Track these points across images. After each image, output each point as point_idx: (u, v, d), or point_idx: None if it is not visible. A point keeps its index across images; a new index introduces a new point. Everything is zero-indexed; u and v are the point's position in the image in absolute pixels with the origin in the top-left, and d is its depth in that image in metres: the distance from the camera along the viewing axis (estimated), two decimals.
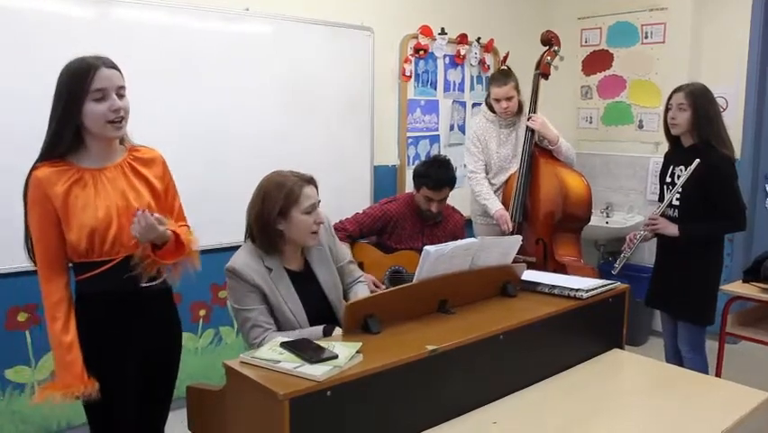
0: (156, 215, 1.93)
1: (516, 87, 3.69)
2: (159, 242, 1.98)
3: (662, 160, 3.22)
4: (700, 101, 2.95)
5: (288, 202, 2.15)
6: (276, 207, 2.15)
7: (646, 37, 4.74)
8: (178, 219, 2.15)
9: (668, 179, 3.09)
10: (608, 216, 4.86)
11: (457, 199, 3.64)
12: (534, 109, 3.64)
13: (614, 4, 4.90)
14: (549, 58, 3.69)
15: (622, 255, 3.17)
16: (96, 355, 1.96)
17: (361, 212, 3.31)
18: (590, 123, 5.14)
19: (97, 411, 2.01)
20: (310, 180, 2.23)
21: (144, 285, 2.02)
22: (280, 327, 2.18)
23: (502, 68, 4.00)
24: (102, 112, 1.89)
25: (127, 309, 2.02)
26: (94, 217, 1.91)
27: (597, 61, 5.06)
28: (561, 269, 3.43)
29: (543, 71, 3.69)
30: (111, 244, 1.95)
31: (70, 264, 2.00)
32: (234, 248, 2.27)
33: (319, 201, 2.24)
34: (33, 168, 1.93)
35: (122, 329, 2.01)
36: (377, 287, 3.03)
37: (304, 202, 2.17)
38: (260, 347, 2.05)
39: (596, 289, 2.30)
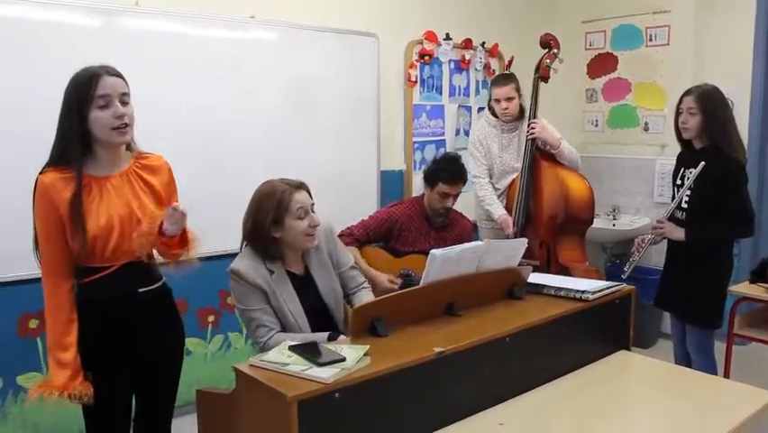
0: (182, 208, 1.99)
1: (517, 89, 3.69)
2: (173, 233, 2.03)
3: (668, 162, 3.21)
4: (710, 105, 2.92)
5: (279, 210, 2.20)
6: (269, 216, 2.20)
7: (650, 39, 4.76)
8: None
9: (678, 182, 3.07)
10: (614, 219, 4.86)
11: (463, 205, 3.65)
12: (534, 113, 3.58)
13: (617, 8, 4.91)
14: (548, 61, 3.62)
15: (631, 259, 3.16)
16: (93, 359, 2.00)
17: (367, 217, 3.33)
18: (596, 126, 5.15)
19: (95, 414, 2.06)
20: (300, 186, 2.28)
21: (142, 290, 2.08)
22: (282, 328, 2.22)
23: (504, 71, 3.99)
24: (106, 119, 1.94)
25: (125, 314, 2.06)
26: (95, 225, 1.96)
27: (601, 64, 5.07)
28: (564, 272, 3.40)
29: (542, 74, 3.63)
30: (111, 251, 2.00)
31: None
32: None
33: (312, 204, 2.28)
34: (40, 173, 1.97)
35: (120, 333, 2.05)
36: (392, 282, 3.09)
37: (294, 207, 2.21)
38: (266, 347, 2.10)
39: (602, 290, 2.30)
